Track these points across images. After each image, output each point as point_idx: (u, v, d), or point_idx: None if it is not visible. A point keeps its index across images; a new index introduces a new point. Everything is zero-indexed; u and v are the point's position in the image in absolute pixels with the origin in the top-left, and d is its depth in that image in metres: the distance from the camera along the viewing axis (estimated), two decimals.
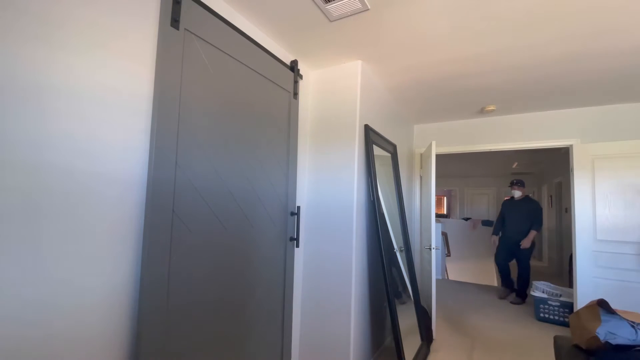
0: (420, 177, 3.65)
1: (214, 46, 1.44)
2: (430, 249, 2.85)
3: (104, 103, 1.07)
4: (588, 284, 2.80)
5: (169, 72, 1.23)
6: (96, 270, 1.05)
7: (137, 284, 1.16)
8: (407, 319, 2.38)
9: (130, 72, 1.16)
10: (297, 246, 1.97)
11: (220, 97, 1.47)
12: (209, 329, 1.38)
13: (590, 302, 1.56)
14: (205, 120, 1.38)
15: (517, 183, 4.08)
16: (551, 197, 6.27)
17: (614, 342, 1.34)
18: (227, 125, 1.50)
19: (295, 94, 2.01)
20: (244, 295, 1.59)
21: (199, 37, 1.38)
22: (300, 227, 2.06)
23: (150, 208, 1.14)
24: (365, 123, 2.23)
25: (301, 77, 2.19)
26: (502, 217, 4.22)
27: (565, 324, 3.14)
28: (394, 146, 2.84)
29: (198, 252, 1.33)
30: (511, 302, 3.86)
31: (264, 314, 1.72)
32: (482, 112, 3.21)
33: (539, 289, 3.44)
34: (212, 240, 1.41)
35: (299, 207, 1.98)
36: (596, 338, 1.36)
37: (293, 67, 2.02)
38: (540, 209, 3.91)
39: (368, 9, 1.62)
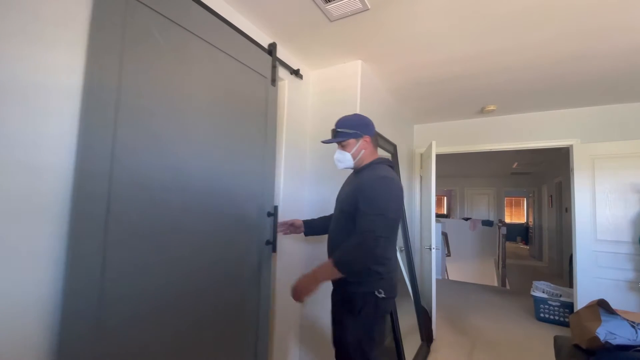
0: (420, 177, 3.65)
1: (168, 19, 1.21)
2: (430, 249, 2.85)
3: (27, 81, 0.88)
4: (588, 284, 2.80)
5: (104, 46, 1.00)
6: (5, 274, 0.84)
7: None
8: (407, 319, 2.38)
9: (62, 44, 0.94)
10: (274, 250, 1.74)
11: (180, 81, 1.25)
12: (159, 353, 1.15)
13: (590, 302, 1.56)
14: (161, 108, 1.17)
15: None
16: (551, 197, 6.27)
17: (614, 342, 1.34)
18: (189, 114, 1.29)
19: (274, 81, 1.79)
20: (208, 308, 1.36)
21: (148, 7, 1.14)
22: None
23: (75, 206, 0.93)
24: None
25: (301, 76, 2.19)
26: None
27: (565, 324, 3.13)
28: (394, 146, 2.84)
29: (146, 259, 1.11)
30: None
31: (233, 327, 1.49)
32: (482, 112, 3.21)
33: (539, 289, 3.43)
34: (167, 245, 1.19)
35: (276, 207, 1.76)
36: (596, 338, 1.36)
37: (271, 50, 1.81)
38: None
39: (368, 9, 1.62)
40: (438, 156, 3.30)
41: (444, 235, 5.37)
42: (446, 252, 5.56)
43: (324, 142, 1.47)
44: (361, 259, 1.18)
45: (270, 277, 1.75)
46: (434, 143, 3.00)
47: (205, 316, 1.35)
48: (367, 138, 1.37)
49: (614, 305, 1.45)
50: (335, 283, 1.34)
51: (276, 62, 1.83)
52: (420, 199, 3.61)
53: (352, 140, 1.36)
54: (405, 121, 3.42)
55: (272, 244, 1.73)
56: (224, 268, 1.46)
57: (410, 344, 2.27)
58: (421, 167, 3.63)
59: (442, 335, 2.90)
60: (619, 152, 2.75)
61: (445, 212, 10.69)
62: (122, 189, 1.04)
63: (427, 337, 2.62)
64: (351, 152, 1.37)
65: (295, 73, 2.11)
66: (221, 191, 1.44)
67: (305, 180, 2.25)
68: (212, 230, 1.39)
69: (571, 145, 2.98)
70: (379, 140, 2.42)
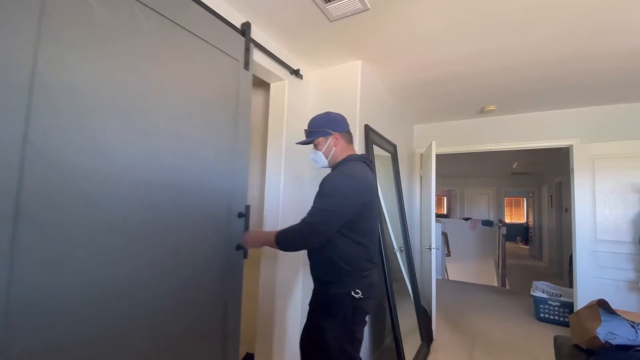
0: (420, 177, 3.65)
1: None
2: (430, 249, 2.85)
3: None
4: (588, 284, 2.80)
5: (11, 16, 0.82)
6: None
7: None
8: (407, 319, 2.38)
9: None
10: (246, 256, 1.53)
11: (122, 55, 1.06)
12: None
13: (590, 302, 1.56)
14: (97, 85, 0.99)
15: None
16: (551, 197, 6.27)
17: (614, 342, 1.34)
18: (135, 95, 1.10)
19: (247, 64, 1.60)
20: (162, 326, 1.16)
21: None
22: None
23: None
24: (366, 123, 2.23)
25: (301, 77, 2.19)
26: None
27: (565, 324, 3.13)
28: (394, 146, 2.84)
29: (71, 269, 0.91)
30: None
31: (193, 346, 1.30)
32: (482, 112, 3.21)
33: (539, 289, 3.44)
34: (102, 251, 0.99)
35: (247, 207, 1.54)
36: (596, 338, 1.36)
37: (244, 30, 1.63)
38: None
39: (368, 9, 1.62)
40: (438, 156, 3.30)
41: (444, 235, 5.37)
42: (446, 252, 5.56)
43: (298, 143, 1.50)
44: (295, 243, 1.27)
45: (241, 288, 1.53)
46: (434, 143, 3.00)
47: (160, 334, 1.16)
48: (337, 135, 1.38)
49: (614, 305, 1.45)
50: (314, 285, 1.37)
51: (250, 43, 1.65)
52: (420, 199, 3.61)
53: (321, 139, 1.39)
54: (405, 121, 3.42)
55: (243, 249, 1.52)
56: (183, 276, 1.25)
57: (410, 344, 2.27)
58: (421, 167, 3.63)
59: (442, 335, 2.90)
60: (619, 152, 2.75)
61: (445, 212, 10.69)
62: (39, 182, 0.85)
63: (427, 337, 2.62)
64: (322, 151, 1.39)
65: (295, 73, 2.12)
66: (179, 187, 1.24)
67: (305, 182, 2.25)
68: (168, 232, 1.19)
69: (571, 145, 2.98)
70: (379, 140, 2.42)
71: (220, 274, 1.41)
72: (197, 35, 1.34)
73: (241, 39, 1.60)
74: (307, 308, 1.39)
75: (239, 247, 1.49)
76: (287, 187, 2.06)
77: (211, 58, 1.41)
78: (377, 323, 2.42)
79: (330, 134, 1.38)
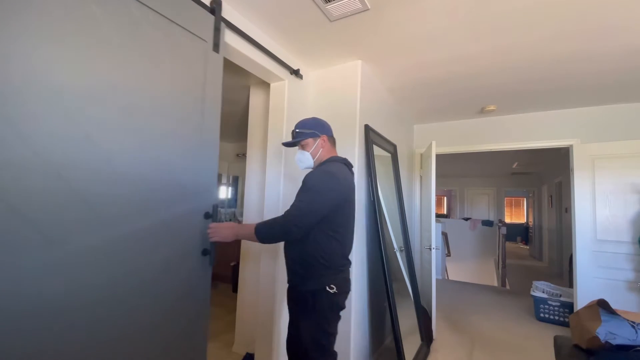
0: (420, 177, 3.65)
1: None
2: (430, 249, 2.85)
3: None
4: (588, 284, 2.80)
5: None
6: None
7: None
8: (407, 319, 2.38)
9: None
10: (212, 263, 1.36)
11: (58, 34, 0.91)
12: None
13: (590, 302, 1.56)
14: (24, 70, 0.85)
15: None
16: (551, 197, 6.27)
17: (614, 342, 1.34)
18: (71, 78, 0.94)
19: (217, 46, 1.44)
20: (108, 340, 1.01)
21: None
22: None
23: None
24: (366, 123, 2.23)
25: (301, 77, 2.19)
26: None
27: (565, 324, 3.13)
28: (394, 146, 2.84)
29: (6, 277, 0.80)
30: None
31: None
32: (482, 112, 3.21)
33: (539, 289, 3.44)
34: (26, 259, 0.83)
35: (215, 206, 1.39)
36: (596, 338, 1.36)
37: (214, 8, 1.47)
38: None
39: (368, 9, 1.62)
40: (438, 156, 3.30)
41: (444, 235, 5.37)
42: (446, 252, 5.56)
43: (284, 144, 1.53)
44: (275, 234, 1.28)
45: (208, 299, 1.36)
46: (434, 143, 3.00)
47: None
48: (325, 137, 1.45)
49: (614, 305, 1.45)
50: (289, 282, 1.39)
51: (220, 22, 1.48)
52: (420, 199, 3.61)
53: (310, 140, 1.44)
54: (405, 121, 3.43)
55: (209, 254, 1.34)
56: (138, 284, 1.10)
57: (410, 344, 2.27)
58: (421, 167, 3.63)
59: (442, 335, 2.90)
60: (619, 152, 2.75)
61: (445, 212, 10.69)
62: None
63: (427, 337, 2.62)
64: (310, 151, 1.44)
65: (295, 73, 2.12)
66: (132, 183, 1.09)
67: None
68: (117, 233, 1.04)
69: (571, 145, 2.98)
70: (379, 140, 2.42)
71: (183, 281, 1.25)
72: (154, 10, 1.18)
73: (210, 17, 1.44)
74: None
75: (205, 252, 1.33)
76: (287, 187, 2.06)
77: (171, 37, 1.24)
78: (377, 323, 2.42)
79: (319, 136, 1.44)
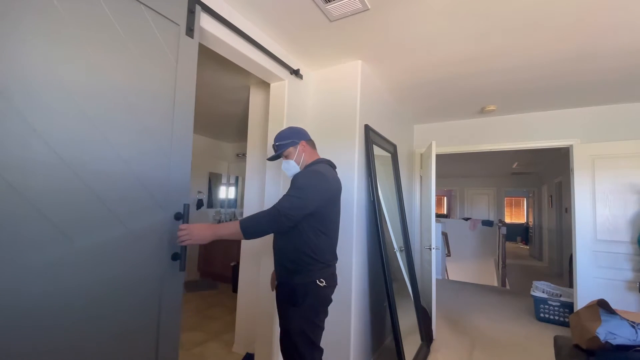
0: (420, 177, 3.65)
1: None
2: (430, 249, 2.85)
3: None
4: (588, 284, 2.80)
5: None
6: None
7: None
8: (407, 319, 2.38)
9: None
10: (183, 268, 1.24)
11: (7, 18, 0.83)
12: None
13: (590, 302, 1.56)
14: None
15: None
16: (551, 197, 6.27)
17: (614, 342, 1.34)
18: (22, 65, 0.86)
19: (191, 30, 1.33)
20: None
21: None
22: None
23: None
24: (366, 123, 2.23)
25: (301, 77, 2.19)
26: None
27: (565, 324, 3.14)
28: (394, 146, 2.84)
29: None
30: None
31: None
32: (482, 112, 3.21)
33: (539, 289, 3.44)
34: None
35: (186, 206, 1.28)
36: (596, 338, 1.36)
37: None
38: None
39: (368, 9, 1.62)
40: (438, 156, 3.30)
41: (444, 235, 5.38)
42: (446, 252, 5.56)
43: (269, 159, 1.60)
44: (262, 227, 1.28)
45: (179, 308, 1.26)
46: (433, 143, 3.00)
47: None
48: (303, 142, 1.53)
49: (614, 305, 1.45)
50: (279, 279, 1.43)
51: (195, 5, 1.37)
52: (420, 199, 3.61)
53: (291, 149, 1.51)
54: (405, 121, 3.42)
55: (180, 259, 1.24)
56: (105, 293, 1.02)
57: (410, 344, 2.27)
58: (421, 167, 3.63)
59: (442, 335, 2.90)
60: (619, 152, 2.75)
61: (445, 212, 10.69)
62: None
63: (427, 337, 2.62)
64: (294, 159, 1.51)
65: (295, 73, 2.12)
66: (85, 181, 0.99)
67: None
68: (61, 245, 0.93)
69: (571, 145, 2.98)
70: (379, 140, 2.42)
71: (152, 288, 1.16)
72: None
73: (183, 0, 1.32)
74: None
75: (175, 257, 1.23)
76: (287, 187, 2.05)
77: (134, 18, 1.13)
78: (377, 323, 2.42)
79: (298, 143, 1.52)
